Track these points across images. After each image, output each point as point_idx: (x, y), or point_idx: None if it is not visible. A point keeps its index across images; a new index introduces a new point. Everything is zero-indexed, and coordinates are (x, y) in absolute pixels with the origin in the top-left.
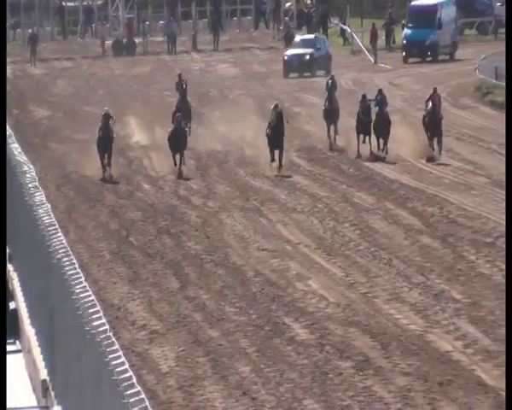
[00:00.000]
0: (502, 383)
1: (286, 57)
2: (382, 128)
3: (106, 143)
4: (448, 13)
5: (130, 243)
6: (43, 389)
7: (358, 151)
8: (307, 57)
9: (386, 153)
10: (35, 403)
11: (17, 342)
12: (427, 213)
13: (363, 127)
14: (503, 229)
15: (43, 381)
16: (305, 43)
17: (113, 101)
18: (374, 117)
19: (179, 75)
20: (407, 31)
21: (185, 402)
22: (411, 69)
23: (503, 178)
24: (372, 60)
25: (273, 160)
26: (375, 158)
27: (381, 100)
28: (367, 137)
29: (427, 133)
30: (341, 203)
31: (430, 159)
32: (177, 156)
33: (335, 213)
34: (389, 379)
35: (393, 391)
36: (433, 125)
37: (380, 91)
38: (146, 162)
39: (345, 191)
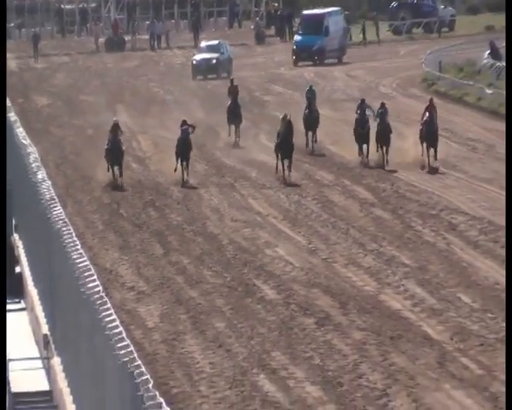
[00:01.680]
0: (445, 338)
1: (194, 61)
2: (384, 139)
3: (116, 155)
4: (335, 21)
5: (121, 215)
6: (44, 343)
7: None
8: (214, 61)
9: (387, 162)
10: (37, 354)
11: (22, 301)
12: (379, 188)
13: (360, 137)
14: (446, 203)
15: (45, 335)
16: (210, 49)
17: (106, 91)
18: (371, 126)
19: (231, 80)
20: (297, 37)
21: (168, 354)
22: (365, 63)
23: (447, 157)
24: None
25: (283, 170)
26: (366, 162)
27: (383, 112)
28: (364, 146)
29: (423, 143)
30: (304, 180)
31: (422, 167)
32: (183, 163)
33: (299, 188)
34: (347, 334)
35: (350, 344)
36: (429, 135)
37: (382, 105)
38: (134, 144)
39: (308, 170)
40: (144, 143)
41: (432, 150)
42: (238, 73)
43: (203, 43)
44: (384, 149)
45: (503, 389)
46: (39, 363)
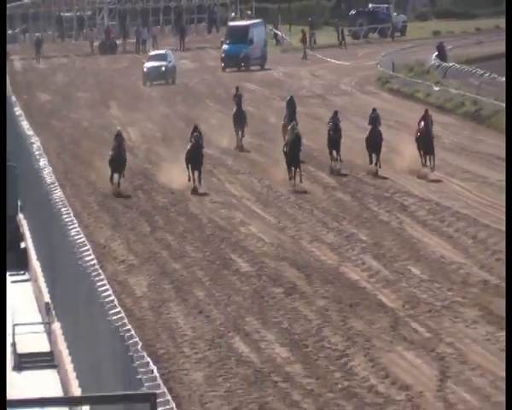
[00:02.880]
0: (397, 305)
1: (145, 69)
2: (375, 144)
3: (118, 164)
4: (258, 32)
5: (113, 197)
6: (46, 309)
7: (331, 167)
8: (163, 68)
9: (380, 166)
10: (40, 320)
11: (26, 273)
12: (340, 174)
13: (332, 143)
14: (399, 187)
15: (46, 303)
16: (157, 58)
17: (99, 88)
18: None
19: (237, 88)
20: (225, 46)
21: (155, 319)
22: (325, 64)
23: (399, 147)
24: (302, 57)
25: (291, 177)
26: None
27: (375, 118)
28: (334, 152)
29: (420, 151)
30: (275, 167)
31: (422, 176)
32: (195, 172)
33: (270, 174)
34: (311, 301)
35: (314, 311)
36: (425, 144)
37: (373, 110)
38: (125, 135)
39: (278, 157)
40: (133, 134)
41: (428, 160)
42: (215, 74)
43: (152, 53)
44: (374, 155)
45: (449, 350)
46: (42, 327)
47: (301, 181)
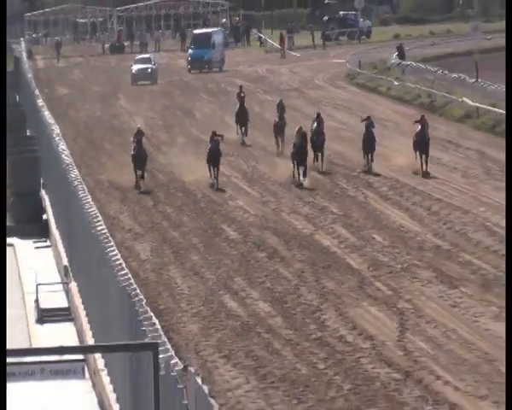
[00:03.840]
0: (363, 267)
1: (134, 70)
2: (369, 146)
3: (140, 160)
4: (218, 38)
5: (123, 175)
6: (64, 271)
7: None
8: (149, 70)
9: (372, 161)
10: (59, 280)
11: (47, 240)
12: (311, 157)
13: (315, 147)
14: (376, 174)
15: (65, 266)
16: (143, 61)
17: (110, 83)
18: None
19: (240, 87)
20: (191, 51)
21: (157, 279)
22: (302, 62)
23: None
24: (280, 56)
25: (299, 177)
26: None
27: (369, 123)
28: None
29: (416, 152)
30: (259, 150)
31: (416, 172)
32: (214, 170)
33: (255, 156)
34: (290, 264)
35: (292, 272)
36: (421, 145)
37: (368, 117)
38: (131, 123)
39: (262, 142)
40: (138, 122)
41: (424, 157)
42: (208, 71)
43: (138, 56)
44: (369, 155)
45: (407, 305)
46: (61, 287)
47: (305, 175)
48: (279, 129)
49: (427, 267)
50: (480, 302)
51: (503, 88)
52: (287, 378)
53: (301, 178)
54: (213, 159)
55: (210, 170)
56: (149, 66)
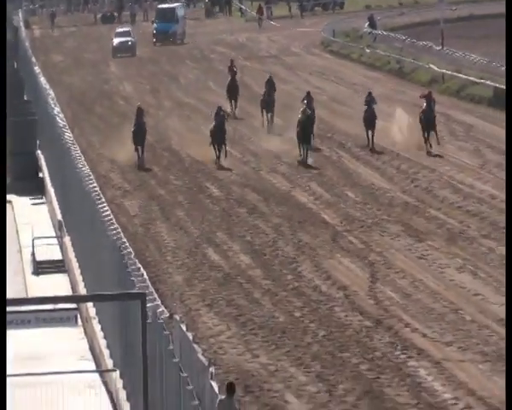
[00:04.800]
0: (336, 222)
1: (114, 43)
2: (370, 122)
3: (140, 136)
4: (181, 12)
5: (113, 136)
6: (58, 226)
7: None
8: (129, 43)
9: (373, 143)
10: (54, 234)
11: (43, 197)
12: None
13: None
14: (337, 129)
15: (59, 221)
16: (123, 34)
17: (101, 51)
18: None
19: (232, 61)
20: (155, 24)
21: (145, 233)
22: (280, 31)
23: (337, 96)
24: (259, 26)
25: (305, 156)
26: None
27: (370, 100)
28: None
29: (422, 128)
30: (239, 112)
31: (421, 148)
32: (220, 148)
33: (239, 121)
34: (268, 219)
35: (271, 226)
36: (427, 121)
37: (369, 93)
38: (121, 88)
39: (241, 104)
40: (128, 86)
41: (433, 135)
42: (193, 38)
43: (118, 29)
44: (370, 132)
45: (378, 257)
46: (55, 240)
47: (308, 154)
48: (267, 105)
49: (396, 222)
50: (445, 255)
51: (466, 55)
52: (265, 326)
53: (307, 157)
54: (219, 136)
55: (215, 147)
56: (129, 39)
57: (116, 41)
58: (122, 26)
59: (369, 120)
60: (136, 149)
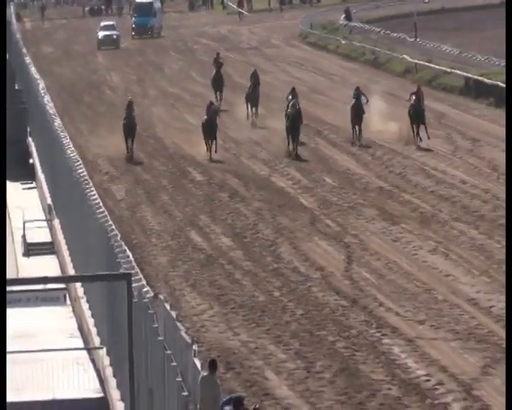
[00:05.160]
0: (314, 206)
1: (100, 36)
2: (358, 117)
3: (130, 129)
4: (158, 6)
5: (100, 125)
6: (48, 210)
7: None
8: (114, 36)
9: (361, 137)
10: (44, 217)
11: (33, 182)
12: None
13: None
14: (315, 116)
15: (49, 205)
16: (107, 28)
17: (89, 43)
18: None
19: (218, 54)
20: (134, 19)
21: (131, 217)
22: (260, 24)
23: (316, 86)
24: (240, 18)
25: (293, 149)
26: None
27: (358, 94)
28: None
29: (412, 122)
30: (226, 107)
31: (409, 143)
32: (212, 142)
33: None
34: (249, 203)
35: (251, 210)
36: (417, 115)
37: (357, 88)
38: (108, 78)
39: (223, 95)
40: (115, 77)
41: (422, 129)
42: (177, 30)
43: (102, 23)
44: (357, 127)
45: (353, 240)
46: (45, 223)
47: (297, 146)
48: (252, 99)
49: (371, 206)
50: (418, 237)
51: (438, 46)
52: (246, 305)
53: (296, 150)
54: (209, 130)
55: (206, 141)
56: (114, 32)
57: (101, 34)
58: (107, 20)
59: (357, 115)
60: (126, 142)
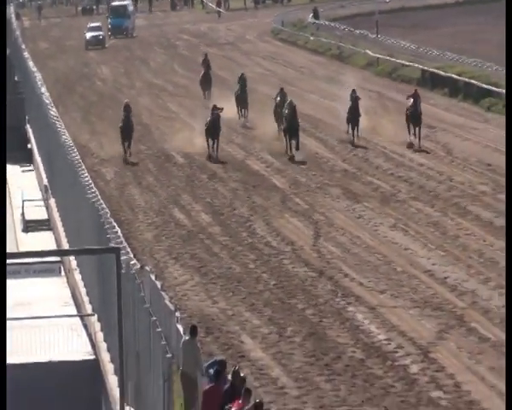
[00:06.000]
0: (285, 186)
1: (87, 37)
2: (354, 118)
3: (127, 131)
4: (131, 9)
5: (92, 113)
6: (45, 190)
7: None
8: (100, 37)
9: (358, 137)
10: (41, 197)
11: (31, 165)
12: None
13: (211, 133)
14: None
15: (45, 186)
16: (94, 29)
17: (81, 39)
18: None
19: (205, 54)
20: (110, 20)
21: (120, 196)
22: (236, 21)
23: (286, 78)
24: (218, 16)
25: (291, 150)
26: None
27: (355, 97)
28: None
29: (408, 125)
30: (201, 90)
31: (410, 145)
32: (214, 142)
33: (198, 95)
34: (226, 183)
35: (228, 190)
36: (414, 118)
37: (353, 91)
38: (98, 71)
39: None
40: (105, 69)
41: (416, 132)
42: (161, 28)
43: (90, 24)
44: (355, 128)
45: (321, 217)
46: (42, 202)
47: (298, 149)
48: (241, 101)
49: (337, 186)
50: (379, 214)
51: (398, 42)
52: (224, 276)
53: (294, 151)
54: (213, 131)
55: (208, 142)
56: (100, 33)
57: (88, 35)
58: (93, 22)
59: (354, 117)
60: (123, 144)
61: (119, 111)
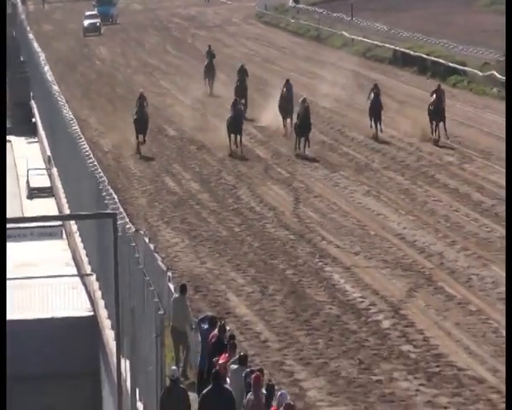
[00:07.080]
0: (268, 156)
1: (85, 25)
2: (377, 112)
3: (142, 123)
4: None
5: (92, 91)
6: (48, 160)
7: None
8: (98, 24)
9: (381, 131)
10: (44, 166)
11: (36, 137)
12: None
13: (233, 128)
14: (277, 87)
15: (48, 156)
16: (91, 17)
17: (81, 22)
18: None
19: (209, 46)
20: (97, 8)
21: (116, 165)
22: (223, 5)
23: (269, 57)
24: (206, 1)
25: (299, 146)
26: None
27: (377, 92)
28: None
29: (431, 120)
30: (192, 69)
31: (435, 142)
32: (237, 137)
33: (188, 74)
34: (213, 154)
35: (216, 160)
36: (437, 114)
37: (375, 85)
38: (96, 51)
39: (193, 63)
40: (103, 50)
41: (442, 127)
42: (155, 12)
43: (87, 13)
44: (378, 121)
45: (300, 185)
46: (45, 171)
47: (309, 146)
48: (240, 92)
49: (315, 157)
50: (354, 182)
51: (371, 24)
52: (211, 238)
53: (305, 148)
54: (235, 126)
55: (230, 137)
56: (97, 21)
57: (86, 22)
58: (90, 10)
59: (375, 111)
60: (137, 137)
61: (117, 88)
